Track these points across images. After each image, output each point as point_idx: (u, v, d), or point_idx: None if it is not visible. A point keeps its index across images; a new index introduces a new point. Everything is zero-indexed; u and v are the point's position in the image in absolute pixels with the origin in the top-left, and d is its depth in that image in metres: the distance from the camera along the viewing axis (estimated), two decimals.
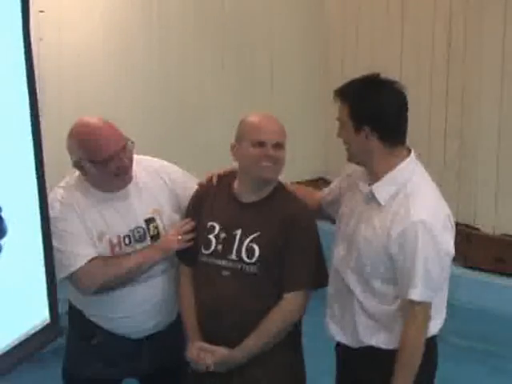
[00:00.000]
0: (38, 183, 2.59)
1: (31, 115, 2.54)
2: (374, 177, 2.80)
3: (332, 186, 3.12)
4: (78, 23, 5.07)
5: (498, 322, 5.19)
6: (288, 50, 6.25)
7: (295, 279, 2.86)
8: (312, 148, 6.39)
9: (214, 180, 3.00)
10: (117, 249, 2.98)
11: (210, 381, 2.93)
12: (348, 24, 6.27)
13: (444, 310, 2.89)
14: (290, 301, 2.86)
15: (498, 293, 5.32)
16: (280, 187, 2.96)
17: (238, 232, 2.89)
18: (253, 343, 2.86)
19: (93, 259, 2.93)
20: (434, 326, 2.84)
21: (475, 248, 5.49)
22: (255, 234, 2.87)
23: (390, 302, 2.79)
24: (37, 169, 2.57)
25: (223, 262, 2.90)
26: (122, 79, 5.36)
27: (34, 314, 2.64)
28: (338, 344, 2.96)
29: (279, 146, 2.85)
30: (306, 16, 6.33)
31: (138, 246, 3.01)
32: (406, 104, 2.79)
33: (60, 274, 2.90)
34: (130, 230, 2.99)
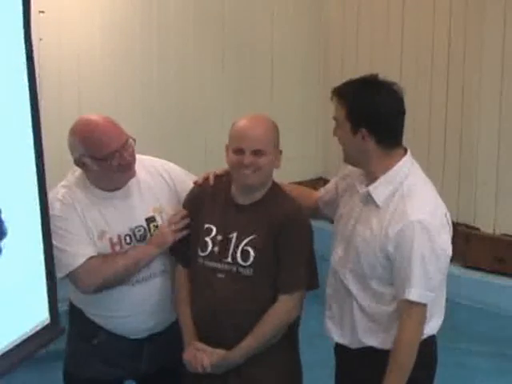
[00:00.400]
0: (38, 183, 2.59)
1: (32, 115, 2.54)
2: (371, 177, 2.80)
3: (328, 186, 3.12)
4: (77, 23, 5.08)
5: (498, 322, 5.19)
6: (288, 50, 6.25)
7: (289, 281, 2.86)
8: (312, 148, 6.41)
9: (211, 179, 2.99)
10: (117, 247, 2.98)
11: (207, 381, 2.93)
12: (348, 24, 6.27)
13: (443, 310, 2.89)
14: (285, 302, 2.86)
15: (498, 293, 5.32)
16: (275, 188, 2.95)
17: (234, 235, 2.89)
18: (249, 344, 2.86)
19: (91, 258, 2.93)
20: (433, 326, 2.83)
21: (475, 248, 5.49)
22: (250, 237, 2.87)
23: (388, 303, 2.79)
24: (37, 168, 2.57)
25: (219, 265, 2.90)
26: (122, 79, 5.37)
27: (34, 314, 2.64)
28: (337, 344, 2.96)
29: (259, 153, 2.82)
30: (306, 17, 6.33)
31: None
32: (403, 106, 2.79)
33: (59, 274, 2.90)
34: (131, 229, 2.99)
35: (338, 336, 2.93)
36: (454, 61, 5.64)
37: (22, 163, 2.53)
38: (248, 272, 2.86)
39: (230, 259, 2.88)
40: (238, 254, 2.86)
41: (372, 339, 2.83)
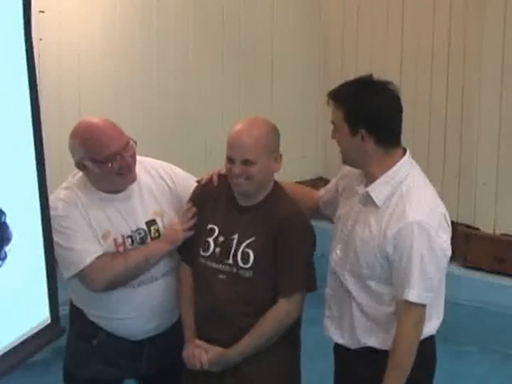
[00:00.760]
0: (38, 183, 2.59)
1: (32, 115, 2.54)
2: (370, 178, 2.80)
3: (328, 186, 3.12)
4: (77, 23, 5.07)
5: (498, 322, 5.19)
6: (288, 50, 6.25)
7: (288, 283, 2.86)
8: (312, 148, 6.40)
9: (215, 179, 3.00)
10: (121, 248, 2.98)
11: (203, 379, 2.95)
12: (348, 24, 6.27)
13: (442, 310, 2.89)
14: (285, 304, 2.87)
15: (498, 293, 5.31)
16: (277, 190, 2.95)
17: (235, 237, 2.90)
18: (246, 344, 2.87)
19: (101, 256, 2.93)
20: (432, 326, 2.84)
21: (475, 248, 5.49)
22: (250, 239, 2.87)
23: (388, 303, 2.79)
24: (37, 168, 2.58)
25: (220, 266, 2.91)
26: (122, 79, 5.36)
27: (34, 314, 2.65)
28: (337, 344, 2.96)
29: (249, 162, 2.81)
30: (306, 16, 6.33)
31: None
32: (400, 104, 2.79)
33: (69, 272, 2.91)
34: (132, 232, 2.99)
35: (337, 336, 2.93)
36: (453, 61, 5.63)
37: (22, 163, 2.53)
38: (248, 274, 2.86)
39: (230, 261, 2.88)
40: (239, 256, 2.87)
41: (371, 339, 2.83)
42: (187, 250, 3.00)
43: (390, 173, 2.77)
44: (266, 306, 2.87)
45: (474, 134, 5.57)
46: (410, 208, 2.70)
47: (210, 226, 2.95)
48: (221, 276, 2.90)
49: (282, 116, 6.05)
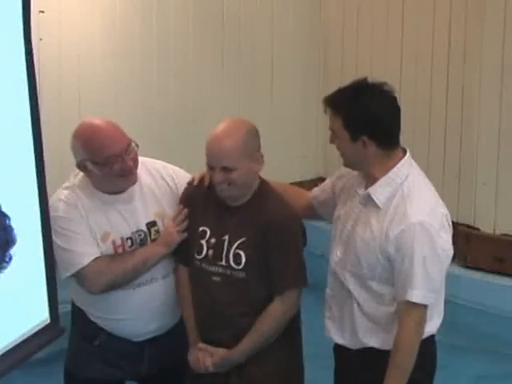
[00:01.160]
0: (38, 183, 2.59)
1: (32, 115, 2.54)
2: (371, 179, 2.80)
3: (324, 185, 3.11)
4: (77, 23, 5.08)
5: (498, 322, 5.19)
6: (288, 50, 6.25)
7: (280, 281, 2.86)
8: (312, 148, 6.40)
9: (206, 180, 2.98)
10: (120, 250, 2.97)
11: (207, 380, 2.96)
12: (348, 24, 6.27)
13: (442, 310, 2.89)
14: (280, 302, 2.87)
15: (498, 293, 5.31)
16: (263, 188, 2.93)
17: (226, 238, 2.89)
18: (247, 345, 2.88)
19: (98, 258, 2.93)
20: (433, 326, 2.84)
21: (475, 248, 5.49)
22: (241, 240, 2.87)
23: (389, 303, 2.79)
24: (37, 169, 2.58)
25: (214, 268, 2.91)
26: (122, 79, 5.37)
27: (34, 313, 2.65)
28: (337, 344, 2.96)
29: (228, 169, 2.79)
30: (306, 16, 6.33)
31: None
32: (397, 104, 2.79)
33: (66, 273, 2.91)
34: (132, 233, 2.99)
35: (338, 337, 2.93)
36: (453, 61, 5.63)
37: (22, 164, 2.53)
38: (241, 275, 2.86)
39: (223, 262, 2.88)
40: (231, 258, 2.87)
41: (372, 340, 2.83)
42: (183, 252, 3.00)
43: (390, 174, 2.77)
44: (262, 306, 2.87)
45: (473, 134, 5.57)
46: (411, 209, 2.70)
47: (201, 228, 2.94)
48: (215, 278, 2.90)
49: (281, 116, 6.09)
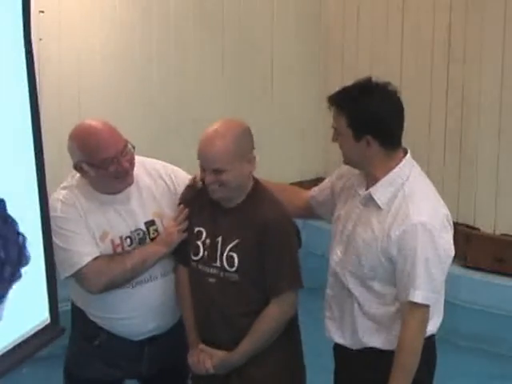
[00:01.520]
0: (38, 183, 2.58)
1: (31, 115, 2.53)
2: (372, 179, 2.80)
3: (323, 185, 3.11)
4: (77, 23, 5.07)
5: (498, 322, 5.19)
6: (288, 50, 6.25)
7: (275, 283, 2.86)
8: (312, 148, 6.40)
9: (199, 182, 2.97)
10: (119, 249, 2.98)
11: (207, 381, 2.97)
12: (348, 24, 6.27)
13: (442, 310, 2.89)
14: (277, 304, 2.87)
15: (498, 293, 5.31)
16: (257, 189, 2.92)
17: (219, 239, 2.90)
18: (247, 347, 2.88)
19: (97, 258, 2.93)
20: (433, 326, 2.84)
21: (475, 248, 5.49)
22: (234, 242, 2.87)
23: (390, 303, 2.79)
24: (37, 168, 2.57)
25: (209, 270, 2.91)
26: (122, 79, 5.36)
27: (34, 313, 2.64)
28: (337, 345, 2.96)
29: (219, 171, 2.79)
30: (306, 16, 6.33)
31: None
32: (401, 104, 2.79)
33: (65, 273, 2.91)
34: (131, 232, 2.99)
35: (338, 337, 2.93)
36: (453, 61, 5.64)
37: (22, 164, 2.53)
38: (234, 277, 2.87)
39: (218, 263, 2.89)
40: (224, 259, 2.87)
41: (373, 340, 2.83)
42: (182, 252, 3.00)
43: (391, 174, 2.77)
44: (257, 307, 2.87)
45: (473, 134, 5.57)
46: (413, 209, 2.70)
47: (197, 228, 2.95)
48: (210, 279, 2.91)
49: (281, 116, 6.08)
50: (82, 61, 5.13)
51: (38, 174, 2.58)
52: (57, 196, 2.97)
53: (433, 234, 2.68)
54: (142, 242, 3.00)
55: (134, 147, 2.94)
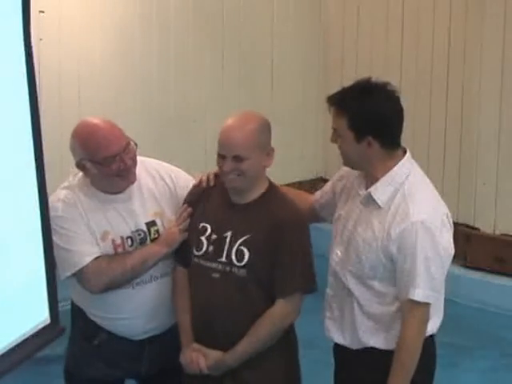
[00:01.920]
0: (38, 183, 2.58)
1: (31, 115, 2.53)
2: (372, 179, 2.80)
3: (325, 188, 3.11)
4: (78, 23, 5.08)
5: (498, 322, 5.19)
6: (288, 50, 6.26)
7: (286, 285, 2.83)
8: (312, 148, 6.41)
9: (211, 179, 2.98)
10: (120, 249, 2.97)
11: (200, 382, 2.92)
12: (348, 24, 6.28)
13: (442, 309, 2.89)
14: (282, 306, 2.84)
15: (498, 293, 5.32)
16: (272, 189, 2.92)
17: (229, 234, 2.87)
18: (244, 348, 2.84)
19: (98, 257, 2.93)
20: (433, 325, 2.84)
21: (475, 248, 5.50)
22: (245, 237, 2.84)
23: (390, 303, 2.79)
24: (37, 168, 2.57)
25: (213, 265, 2.88)
26: (122, 79, 5.37)
27: (34, 313, 2.64)
28: (336, 345, 2.96)
29: (240, 158, 2.79)
30: (306, 16, 6.34)
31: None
32: (400, 104, 2.79)
33: (66, 272, 2.91)
34: (132, 232, 2.99)
35: (338, 337, 2.92)
36: (453, 61, 5.64)
37: (22, 163, 2.53)
38: (241, 272, 2.83)
39: (224, 259, 2.86)
40: (233, 254, 2.84)
41: (373, 339, 2.83)
42: (181, 252, 2.99)
43: (391, 173, 2.77)
44: (260, 306, 2.84)
45: (473, 134, 5.58)
46: (413, 208, 2.70)
47: (201, 224, 2.93)
48: (214, 275, 2.87)
49: (281, 116, 6.08)
50: (81, 61, 5.13)
51: (37, 174, 2.58)
52: (58, 196, 2.96)
53: (432, 233, 2.69)
54: (142, 242, 3.00)
55: (136, 144, 2.94)
